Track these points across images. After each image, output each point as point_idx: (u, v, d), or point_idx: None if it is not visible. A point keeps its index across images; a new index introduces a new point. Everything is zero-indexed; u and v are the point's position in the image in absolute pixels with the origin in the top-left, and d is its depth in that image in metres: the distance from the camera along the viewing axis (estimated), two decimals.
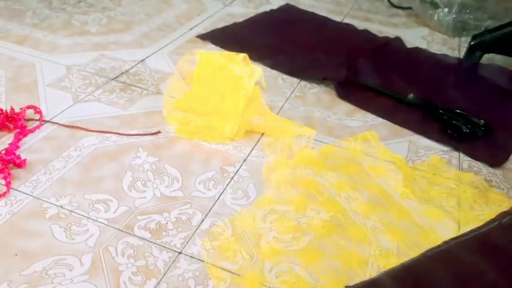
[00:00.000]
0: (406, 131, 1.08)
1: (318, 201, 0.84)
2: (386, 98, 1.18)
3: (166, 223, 0.77)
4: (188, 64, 1.12)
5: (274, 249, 0.74)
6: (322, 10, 1.74)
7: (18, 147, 0.88)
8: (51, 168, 0.85)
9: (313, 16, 1.68)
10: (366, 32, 1.58)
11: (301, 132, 1.00)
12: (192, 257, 0.71)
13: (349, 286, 0.55)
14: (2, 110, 0.94)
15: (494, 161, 1.00)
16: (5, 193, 0.78)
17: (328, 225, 0.79)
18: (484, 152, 1.02)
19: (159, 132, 0.97)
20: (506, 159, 1.01)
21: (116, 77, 1.15)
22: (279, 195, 0.84)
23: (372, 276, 0.70)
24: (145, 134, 0.96)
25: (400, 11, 1.81)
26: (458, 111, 1.11)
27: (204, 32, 1.45)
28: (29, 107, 0.97)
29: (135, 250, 0.71)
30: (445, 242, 0.60)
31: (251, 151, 0.95)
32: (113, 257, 0.70)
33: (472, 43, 1.39)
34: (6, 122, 0.93)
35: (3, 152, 0.85)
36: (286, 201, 0.83)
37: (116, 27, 1.42)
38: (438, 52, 1.49)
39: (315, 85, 1.23)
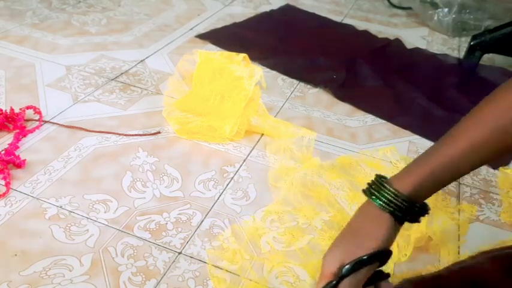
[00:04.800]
0: (406, 131, 1.08)
1: (323, 205, 0.83)
2: (387, 99, 1.18)
3: (166, 223, 0.77)
4: (188, 64, 1.12)
5: (274, 250, 0.74)
6: (322, 10, 1.74)
7: (17, 147, 0.88)
8: (50, 169, 0.85)
9: (313, 16, 1.68)
10: (365, 33, 1.58)
11: (301, 135, 1.00)
12: (192, 257, 0.71)
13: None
14: (1, 110, 0.94)
15: (497, 163, 0.99)
16: (4, 193, 0.78)
17: (328, 226, 0.79)
18: None
19: (159, 132, 0.97)
20: (508, 161, 1.01)
21: (116, 77, 1.15)
22: (289, 202, 0.83)
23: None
24: (145, 135, 0.96)
25: (400, 11, 1.81)
26: None
27: (203, 32, 1.45)
28: (28, 107, 0.97)
29: (135, 250, 0.71)
30: (472, 257, 0.58)
31: (251, 151, 0.95)
32: (113, 258, 0.70)
33: (472, 43, 1.39)
34: (5, 122, 0.93)
35: (3, 152, 0.85)
36: (295, 210, 0.82)
37: (116, 27, 1.42)
38: (438, 52, 1.49)
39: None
